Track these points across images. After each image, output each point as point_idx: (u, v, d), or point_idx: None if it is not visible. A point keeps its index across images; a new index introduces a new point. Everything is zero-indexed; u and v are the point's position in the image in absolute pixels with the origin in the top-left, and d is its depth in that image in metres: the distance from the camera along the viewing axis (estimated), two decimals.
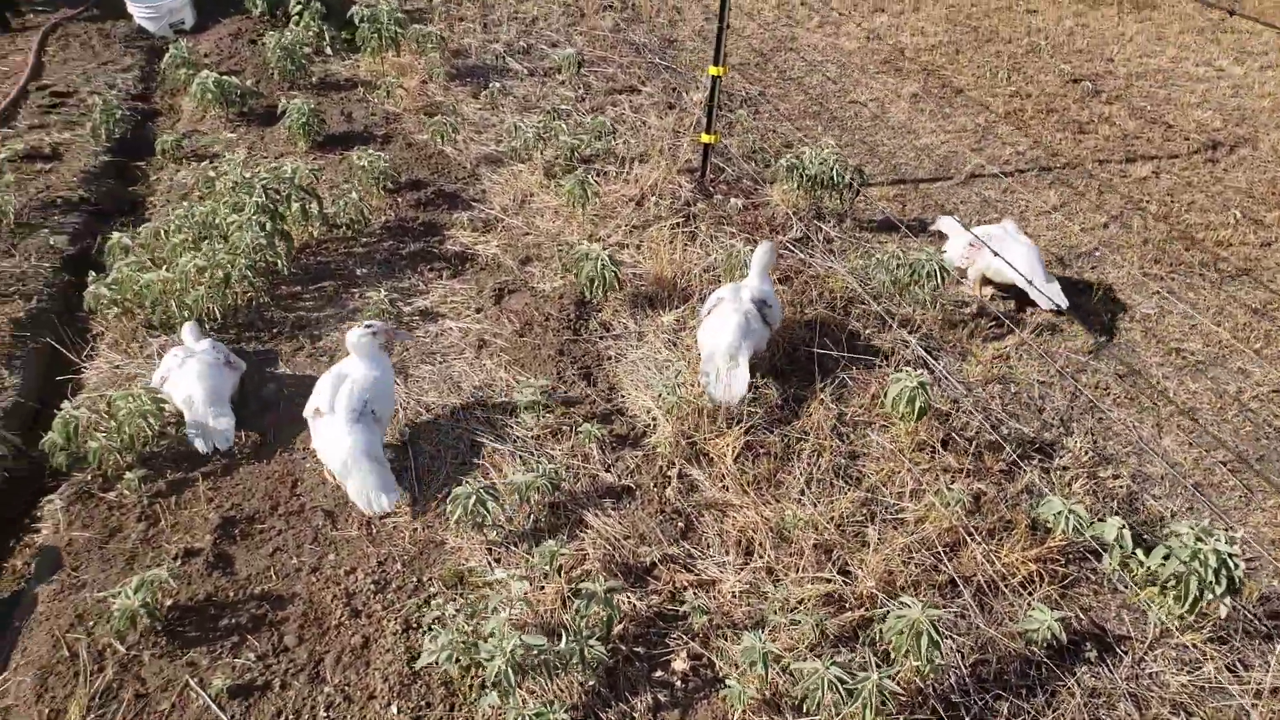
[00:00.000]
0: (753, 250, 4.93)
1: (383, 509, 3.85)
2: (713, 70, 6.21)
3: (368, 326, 4.10)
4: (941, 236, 6.07)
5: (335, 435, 3.83)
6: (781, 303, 4.94)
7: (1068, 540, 3.80)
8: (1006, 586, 3.74)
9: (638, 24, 9.77)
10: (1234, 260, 6.36)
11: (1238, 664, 3.54)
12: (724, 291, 4.72)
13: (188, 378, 4.17)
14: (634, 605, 3.55)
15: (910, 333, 5.18)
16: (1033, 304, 5.54)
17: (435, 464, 4.21)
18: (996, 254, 5.07)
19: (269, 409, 4.51)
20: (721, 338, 4.50)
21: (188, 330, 4.54)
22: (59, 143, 6.70)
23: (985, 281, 5.75)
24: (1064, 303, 5.43)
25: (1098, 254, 6.40)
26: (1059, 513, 3.70)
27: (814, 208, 6.39)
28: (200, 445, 4.13)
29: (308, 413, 3.98)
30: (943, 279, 5.16)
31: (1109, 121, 8.29)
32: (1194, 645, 3.56)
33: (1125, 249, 6.41)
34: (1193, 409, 4.99)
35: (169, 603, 3.47)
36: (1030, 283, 5.37)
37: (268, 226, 5.15)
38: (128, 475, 3.97)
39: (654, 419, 4.47)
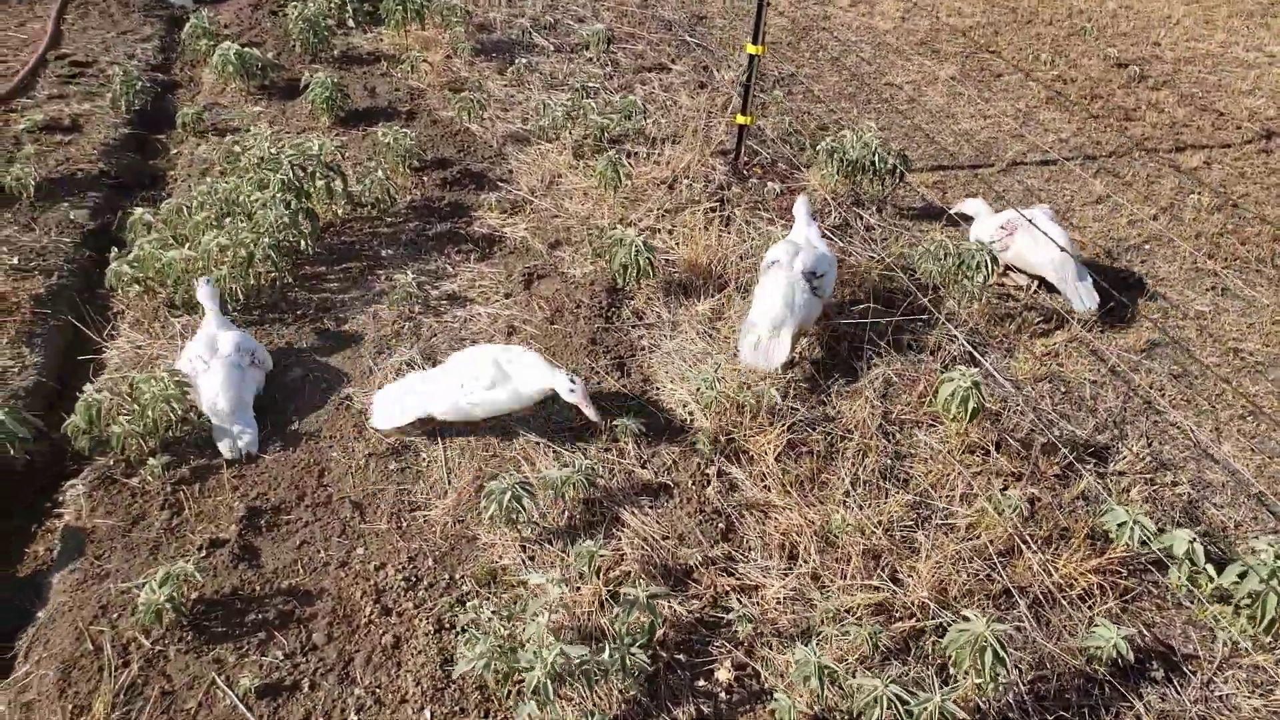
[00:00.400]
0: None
1: None
2: (750, 49, 5.99)
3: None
4: (965, 219, 5.84)
5: None
6: (833, 256, 4.83)
7: (1130, 552, 3.62)
8: (1064, 598, 3.57)
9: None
10: None
11: None
12: (779, 252, 4.61)
13: (212, 385, 3.99)
14: (675, 611, 3.39)
15: (956, 327, 4.98)
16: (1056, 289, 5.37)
17: (466, 456, 4.05)
18: (1041, 233, 4.87)
19: (294, 395, 4.36)
20: (767, 309, 4.43)
21: (205, 291, 4.30)
22: (78, 114, 6.54)
23: (1008, 269, 5.55)
24: (1095, 303, 5.24)
25: (1147, 247, 6.17)
26: (1123, 523, 3.52)
27: (853, 193, 6.18)
28: (225, 450, 3.99)
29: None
30: (992, 271, 4.95)
31: (1157, 108, 8.03)
32: (1266, 666, 3.38)
33: (1176, 242, 6.18)
34: (1253, 413, 4.79)
35: (194, 596, 3.33)
36: (1063, 279, 5.21)
37: (293, 205, 4.99)
38: (151, 461, 3.83)
39: (690, 414, 4.30)
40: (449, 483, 3.92)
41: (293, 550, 3.59)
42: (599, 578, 3.40)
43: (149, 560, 3.47)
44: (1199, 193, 6.76)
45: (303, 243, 5.11)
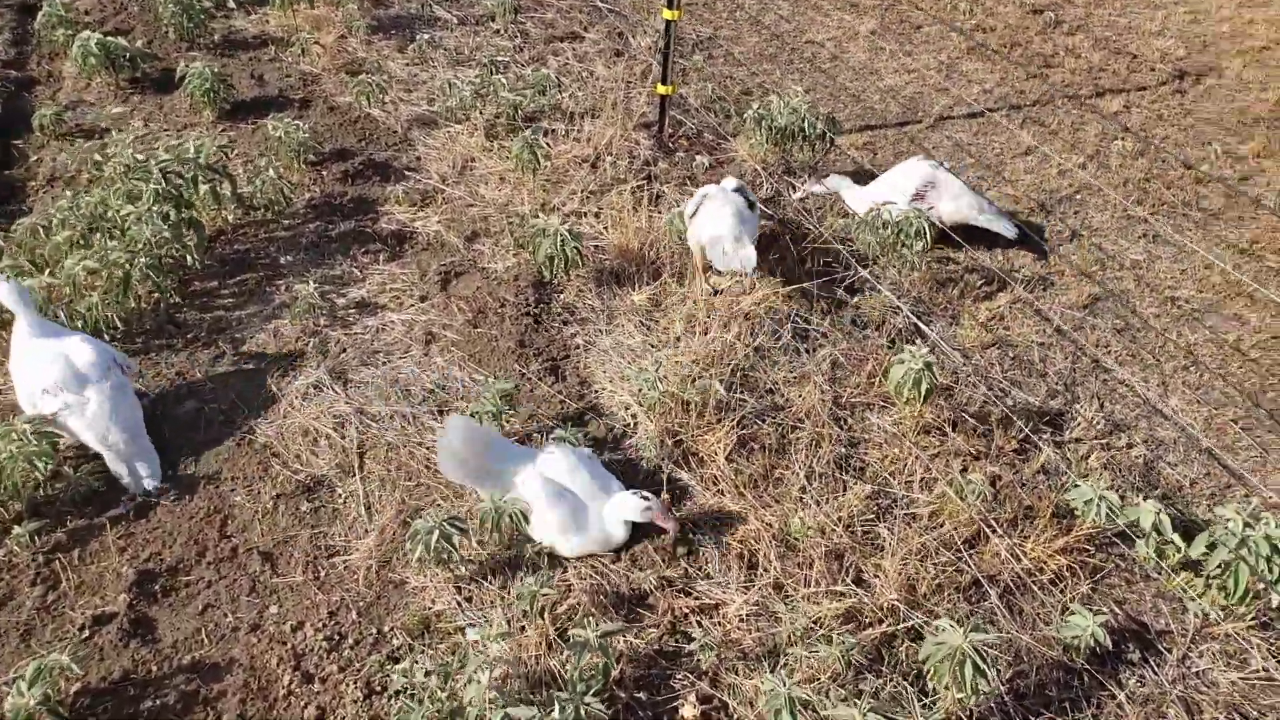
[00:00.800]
0: None
1: None
2: (666, 14, 5.61)
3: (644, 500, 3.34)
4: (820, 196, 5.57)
5: None
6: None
7: (1097, 528, 3.44)
8: (1035, 583, 3.38)
9: None
10: (1215, 197, 6.05)
11: None
12: (708, 189, 4.71)
13: (98, 419, 3.51)
14: (631, 644, 3.10)
15: (900, 298, 4.75)
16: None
17: (387, 489, 3.68)
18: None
19: (188, 432, 3.91)
20: (722, 223, 4.49)
21: (9, 291, 3.57)
22: None
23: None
24: (1014, 233, 5.23)
25: (1079, 197, 6.03)
26: (1089, 501, 3.33)
27: (783, 161, 5.89)
28: (132, 486, 3.56)
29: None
30: (931, 237, 4.72)
31: (1074, 53, 7.89)
32: (1237, 635, 3.24)
33: (1106, 190, 6.05)
34: (1195, 363, 4.67)
35: (76, 688, 2.91)
36: (987, 216, 5.17)
37: (172, 216, 4.49)
38: (16, 530, 3.35)
39: (634, 417, 3.99)
40: (369, 521, 3.55)
41: (195, 617, 3.19)
42: (544, 617, 3.08)
43: (19, 649, 3.03)
44: (1122, 138, 6.64)
45: (188, 257, 4.63)
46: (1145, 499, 3.49)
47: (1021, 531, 3.52)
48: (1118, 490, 3.71)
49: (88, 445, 3.58)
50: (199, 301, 4.64)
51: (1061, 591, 3.41)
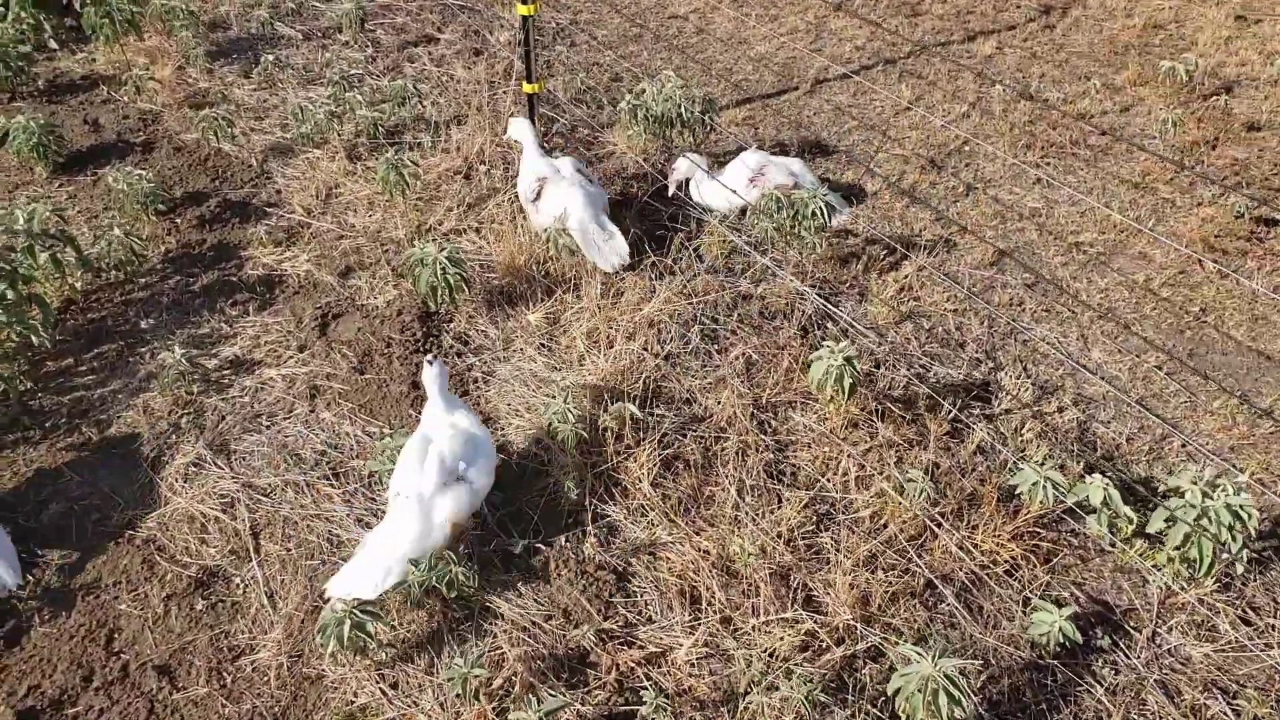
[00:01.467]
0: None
1: None
2: (521, 9, 5.30)
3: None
4: (681, 185, 5.29)
5: None
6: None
7: (1045, 509, 3.34)
8: (990, 576, 3.27)
9: None
10: (1100, 132, 6.07)
11: (1248, 610, 3.20)
12: (540, 170, 4.69)
13: None
14: (579, 712, 2.87)
15: (804, 281, 4.59)
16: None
17: (289, 571, 3.35)
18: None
19: (57, 538, 3.50)
20: (578, 212, 4.50)
21: None
22: None
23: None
24: (847, 210, 5.17)
25: (967, 149, 5.97)
26: (1035, 484, 3.23)
27: (665, 149, 5.66)
28: None
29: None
30: (829, 215, 4.57)
31: None
32: (1202, 604, 3.19)
33: (993, 138, 6.01)
34: (1110, 310, 4.65)
35: None
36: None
37: (9, 295, 4.02)
38: None
39: (546, 450, 3.73)
40: (274, 611, 3.22)
41: None
42: (480, 698, 2.82)
43: None
44: (1000, 82, 6.62)
45: (33, 336, 4.16)
46: (1088, 470, 3.41)
47: (968, 522, 3.39)
48: (1057, 460, 3.63)
49: None
50: (55, 383, 4.19)
51: (1019, 581, 3.30)
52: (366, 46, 6.89)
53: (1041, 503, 3.23)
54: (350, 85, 6.04)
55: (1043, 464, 3.39)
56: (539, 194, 4.67)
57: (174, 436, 3.91)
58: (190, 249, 4.97)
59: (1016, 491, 3.36)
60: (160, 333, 4.44)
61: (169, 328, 4.47)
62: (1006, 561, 3.30)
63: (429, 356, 3.21)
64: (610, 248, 4.58)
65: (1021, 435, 3.85)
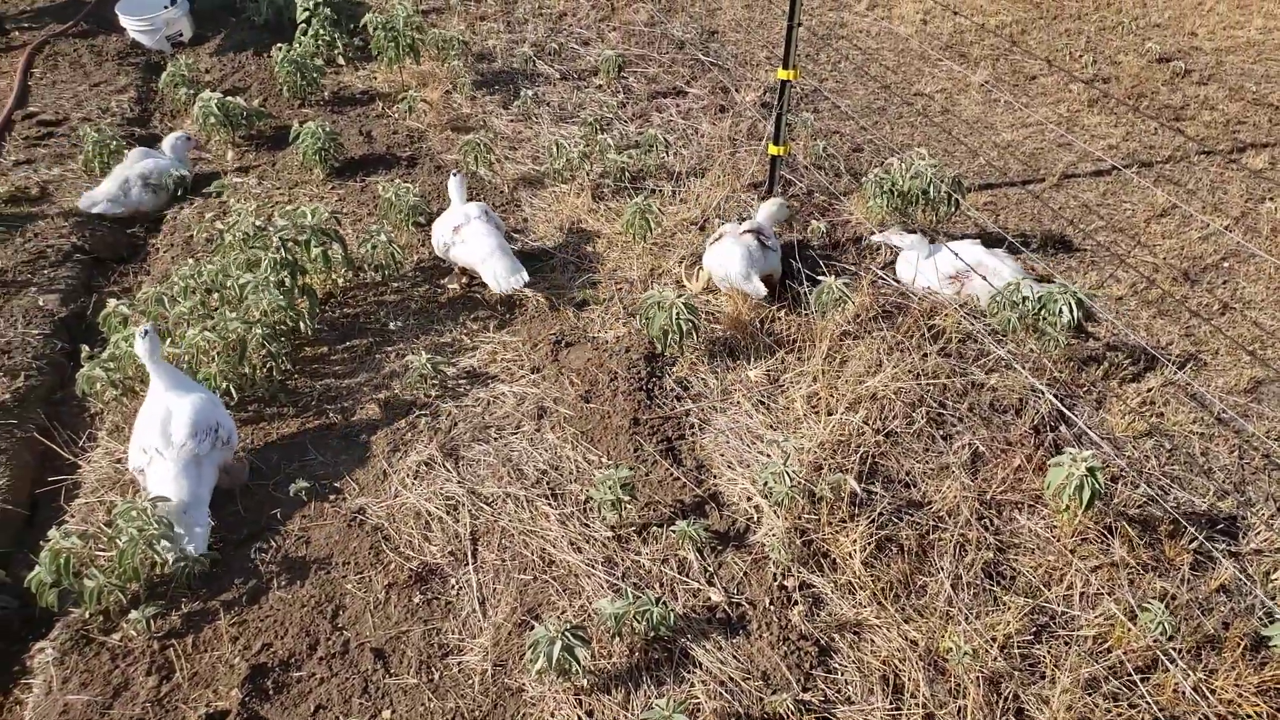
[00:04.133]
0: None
1: None
2: (782, 74, 5.44)
3: None
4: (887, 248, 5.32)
5: None
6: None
7: None
8: None
9: (674, 15, 8.95)
10: None
11: None
12: (724, 228, 4.95)
13: (162, 479, 3.55)
14: None
15: (1040, 379, 4.41)
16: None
17: (501, 581, 3.49)
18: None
19: (298, 509, 3.80)
20: (732, 265, 4.73)
21: (143, 347, 3.68)
22: (48, 180, 5.99)
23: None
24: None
25: (1227, 265, 5.60)
26: None
27: (903, 225, 5.61)
28: (167, 554, 3.46)
29: None
30: (1078, 313, 4.38)
31: (1207, 105, 7.45)
32: None
33: (1259, 256, 5.60)
34: None
35: None
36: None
37: (287, 283, 4.43)
38: (134, 614, 3.27)
39: (757, 508, 3.74)
40: (484, 618, 3.36)
41: (306, 719, 3.03)
42: None
43: None
44: (1272, 198, 6.18)
45: (301, 323, 4.56)
46: None
47: (1206, 665, 3.14)
48: None
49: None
50: (310, 368, 4.56)
51: None
52: (618, 93, 7.21)
53: None
54: (601, 129, 6.33)
55: None
56: (712, 244, 4.93)
57: (409, 434, 4.16)
58: (441, 262, 5.31)
59: (1270, 643, 3.07)
60: (406, 335, 4.76)
61: (414, 332, 4.79)
62: (1249, 717, 3.02)
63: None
64: (745, 286, 4.76)
65: (1273, 580, 3.53)
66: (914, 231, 5.18)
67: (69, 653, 3.21)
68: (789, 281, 4.99)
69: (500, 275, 4.79)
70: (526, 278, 4.81)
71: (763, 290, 4.73)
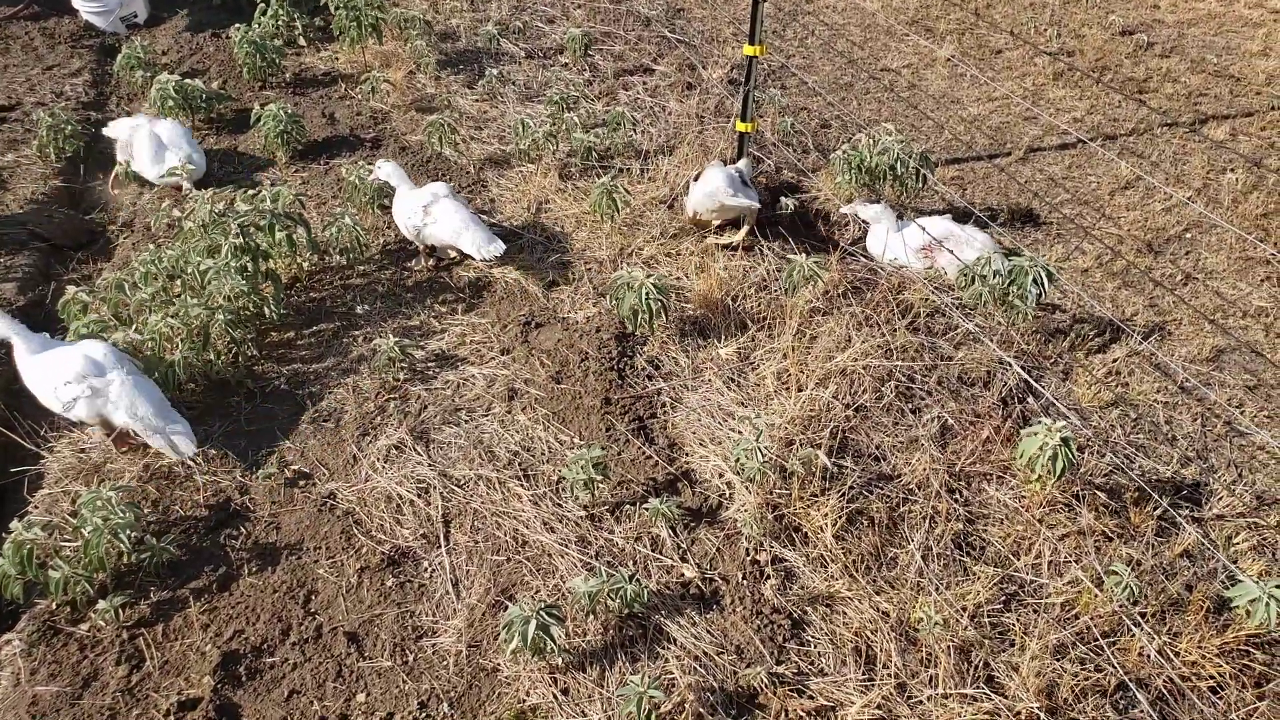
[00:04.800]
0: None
1: None
2: (749, 50, 5.41)
3: None
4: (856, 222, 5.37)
5: None
6: None
7: (1263, 629, 3.11)
8: (1191, 689, 3.06)
9: None
10: None
11: None
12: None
13: (123, 399, 3.69)
14: None
15: (1007, 352, 4.45)
16: None
17: (474, 563, 3.48)
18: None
19: (268, 493, 3.76)
20: (720, 185, 4.92)
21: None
22: (1, 167, 5.85)
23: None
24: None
25: (1189, 236, 5.67)
26: (1256, 599, 3.01)
27: (872, 200, 5.61)
28: (169, 451, 3.75)
29: None
30: (1047, 285, 4.42)
31: (1170, 78, 7.52)
32: None
33: (1221, 227, 5.68)
34: None
35: None
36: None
37: (250, 268, 4.36)
38: (101, 604, 3.22)
39: (729, 485, 3.75)
40: (457, 600, 3.35)
41: (280, 705, 3.01)
42: None
43: None
44: (1233, 169, 6.26)
45: (265, 308, 4.50)
46: None
47: (1170, 628, 3.20)
48: (1277, 578, 3.37)
49: (120, 425, 3.74)
50: (277, 353, 4.51)
51: (1224, 701, 3.07)
52: (585, 71, 7.16)
53: (1262, 622, 3.01)
54: (568, 107, 6.28)
55: (1260, 578, 3.15)
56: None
57: (379, 418, 4.13)
58: (407, 244, 5.26)
59: (1231, 605, 3.14)
60: (373, 319, 4.72)
61: (382, 316, 4.74)
62: (1212, 677, 3.08)
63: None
64: (737, 198, 4.95)
65: (1235, 545, 3.60)
66: (877, 201, 5.19)
67: (36, 644, 3.16)
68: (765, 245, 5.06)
69: (481, 243, 4.78)
70: (504, 245, 4.82)
71: (755, 203, 4.96)
